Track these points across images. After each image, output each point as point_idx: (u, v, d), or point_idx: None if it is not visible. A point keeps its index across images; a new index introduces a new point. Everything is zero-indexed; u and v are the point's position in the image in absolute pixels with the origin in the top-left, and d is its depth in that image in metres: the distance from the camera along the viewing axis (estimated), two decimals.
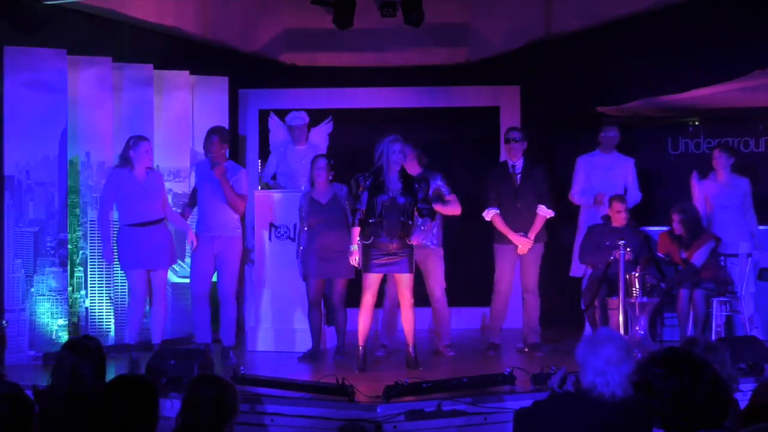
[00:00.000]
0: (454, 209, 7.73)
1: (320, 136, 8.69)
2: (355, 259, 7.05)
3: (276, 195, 8.12)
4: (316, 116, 8.68)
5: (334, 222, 7.45)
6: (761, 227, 8.48)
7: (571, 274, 8.68)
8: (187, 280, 7.94)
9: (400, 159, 7.00)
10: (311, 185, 7.59)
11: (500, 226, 7.78)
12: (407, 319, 7.09)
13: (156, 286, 7.44)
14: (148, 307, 8.10)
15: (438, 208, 7.54)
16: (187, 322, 8.30)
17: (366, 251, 6.99)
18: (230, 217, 7.55)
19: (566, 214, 8.76)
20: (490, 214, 7.82)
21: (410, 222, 7.03)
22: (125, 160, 7.31)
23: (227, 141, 7.69)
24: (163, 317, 7.50)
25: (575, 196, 8.60)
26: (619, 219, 7.91)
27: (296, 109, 8.66)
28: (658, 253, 8.04)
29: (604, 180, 8.47)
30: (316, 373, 6.77)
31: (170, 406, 5.29)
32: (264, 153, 9.43)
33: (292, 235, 7.96)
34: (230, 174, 7.54)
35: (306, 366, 7.35)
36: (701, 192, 8.28)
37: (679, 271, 7.89)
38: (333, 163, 7.58)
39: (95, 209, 7.87)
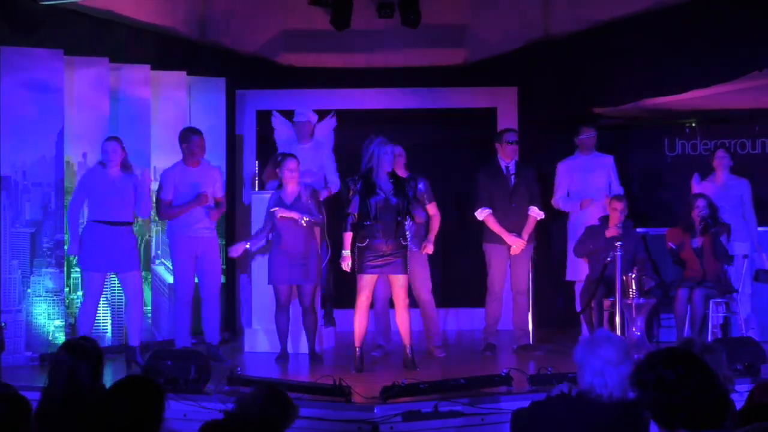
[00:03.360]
0: (436, 225, 7.74)
1: (325, 131, 8.63)
2: (347, 264, 7.03)
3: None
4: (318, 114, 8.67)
5: (299, 225, 7.43)
6: (759, 229, 8.49)
7: (567, 277, 8.67)
8: None
9: (391, 160, 7.02)
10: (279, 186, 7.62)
11: (494, 226, 7.78)
12: (403, 319, 7.08)
13: (128, 289, 7.48)
14: (149, 308, 8.18)
15: (431, 243, 7.66)
16: None
17: (360, 253, 6.99)
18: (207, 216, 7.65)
19: (561, 215, 8.76)
20: (483, 214, 7.82)
21: (405, 222, 7.05)
22: (102, 162, 7.48)
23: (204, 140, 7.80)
24: (140, 319, 7.55)
25: (559, 201, 8.58)
26: (616, 218, 7.90)
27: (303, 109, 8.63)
28: (669, 244, 8.03)
29: (588, 181, 8.46)
30: (313, 374, 6.77)
31: (166, 407, 5.28)
32: (263, 154, 9.43)
33: None
34: (212, 176, 7.74)
35: (302, 367, 7.35)
36: (699, 192, 8.26)
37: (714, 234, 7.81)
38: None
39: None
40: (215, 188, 7.80)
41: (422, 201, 7.63)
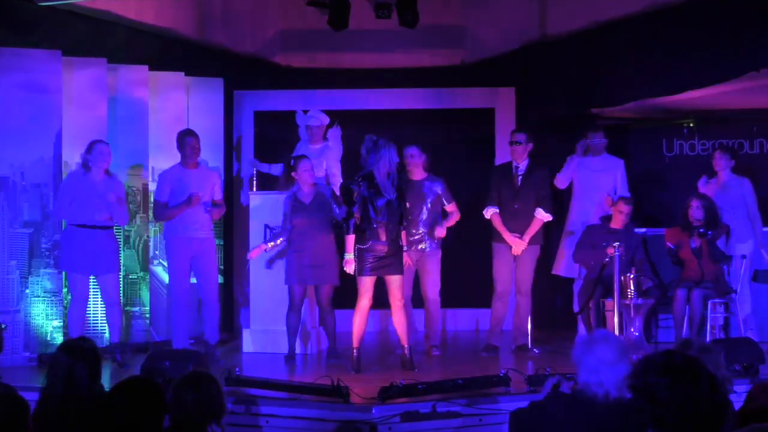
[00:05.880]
0: (454, 219, 7.82)
1: (337, 138, 8.66)
2: (351, 268, 7.03)
3: (271, 197, 8.11)
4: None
5: (318, 224, 7.46)
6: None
7: (553, 271, 8.68)
8: None
9: (397, 162, 7.05)
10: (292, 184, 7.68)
11: (497, 224, 7.80)
12: (400, 320, 7.09)
13: (106, 291, 7.50)
14: (147, 308, 8.18)
15: (443, 228, 7.73)
16: None
17: (360, 255, 6.99)
18: (204, 217, 7.66)
19: (560, 215, 8.76)
20: (489, 213, 7.84)
21: (403, 224, 7.12)
22: (84, 165, 7.43)
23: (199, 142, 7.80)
24: (119, 319, 7.57)
25: (559, 178, 8.59)
26: (620, 220, 7.92)
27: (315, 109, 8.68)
28: (668, 243, 8.03)
29: (593, 181, 8.46)
30: (312, 375, 6.77)
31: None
32: (260, 154, 9.43)
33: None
34: (210, 178, 7.74)
35: (301, 367, 7.35)
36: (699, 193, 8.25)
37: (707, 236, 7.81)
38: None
39: None
40: (213, 190, 7.80)
41: (443, 204, 7.78)
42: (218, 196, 7.84)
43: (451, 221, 7.83)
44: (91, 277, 7.57)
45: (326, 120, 8.56)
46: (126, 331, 8.28)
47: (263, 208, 8.09)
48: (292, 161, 7.73)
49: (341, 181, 8.32)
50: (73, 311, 7.45)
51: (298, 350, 7.69)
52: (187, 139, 7.71)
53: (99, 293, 7.82)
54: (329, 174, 8.41)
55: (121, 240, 8.04)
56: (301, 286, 7.58)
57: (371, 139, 7.02)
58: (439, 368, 7.22)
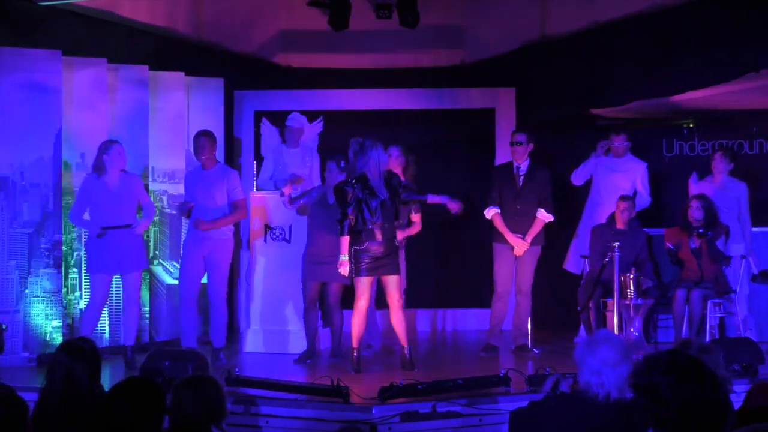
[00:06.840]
0: (415, 229, 7.79)
1: (311, 136, 8.65)
2: (346, 269, 7.01)
3: (272, 197, 8.11)
4: (309, 117, 8.68)
5: (336, 224, 7.47)
6: (758, 229, 8.49)
7: (563, 266, 8.69)
8: None
9: (387, 161, 7.09)
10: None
11: (499, 225, 7.79)
12: (398, 320, 7.09)
13: (128, 290, 7.55)
14: (147, 308, 8.17)
15: (404, 234, 7.67)
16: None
17: (356, 256, 6.98)
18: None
19: (563, 216, 8.77)
20: (490, 213, 7.84)
21: (399, 223, 7.19)
22: (99, 167, 7.45)
23: (215, 142, 7.76)
24: (136, 320, 7.62)
25: (574, 175, 8.58)
26: (621, 219, 7.92)
27: (296, 111, 8.67)
28: (667, 244, 8.03)
29: (610, 182, 8.45)
30: (311, 375, 6.78)
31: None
32: (259, 155, 9.43)
33: (287, 237, 7.97)
34: (222, 178, 7.62)
35: (301, 367, 7.35)
36: (698, 193, 8.25)
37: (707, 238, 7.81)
38: (343, 165, 7.67)
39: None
40: (231, 191, 7.57)
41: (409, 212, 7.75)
42: (235, 197, 7.58)
43: (412, 231, 7.78)
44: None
45: (306, 125, 8.50)
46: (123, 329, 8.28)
47: (264, 207, 8.08)
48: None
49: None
50: (90, 312, 7.49)
51: (293, 350, 7.67)
52: (200, 140, 7.63)
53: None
54: (313, 176, 8.37)
55: None
56: (314, 282, 7.58)
57: (357, 141, 7.00)
58: (438, 368, 7.22)
